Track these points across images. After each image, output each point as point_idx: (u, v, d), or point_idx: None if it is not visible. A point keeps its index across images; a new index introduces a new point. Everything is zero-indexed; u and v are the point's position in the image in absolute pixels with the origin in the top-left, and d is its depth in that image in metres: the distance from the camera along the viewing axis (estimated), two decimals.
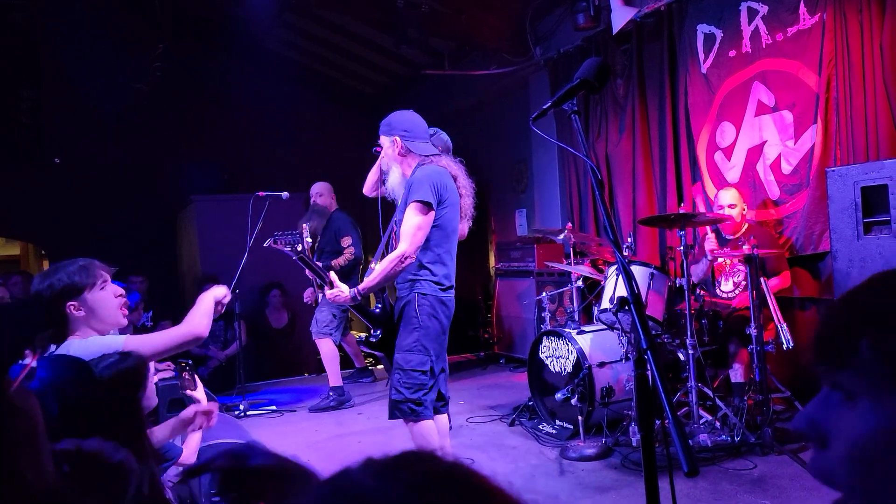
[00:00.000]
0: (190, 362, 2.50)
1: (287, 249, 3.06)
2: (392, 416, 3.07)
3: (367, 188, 4.93)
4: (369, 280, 3.00)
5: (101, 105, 7.51)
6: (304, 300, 5.85)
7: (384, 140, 3.19)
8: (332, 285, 3.04)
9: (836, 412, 0.67)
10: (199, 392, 2.55)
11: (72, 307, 2.12)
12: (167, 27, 7.66)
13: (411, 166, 3.14)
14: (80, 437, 1.15)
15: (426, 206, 2.97)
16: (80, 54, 7.03)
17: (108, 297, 2.19)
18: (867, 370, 0.63)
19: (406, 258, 2.95)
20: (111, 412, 1.39)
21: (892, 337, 0.63)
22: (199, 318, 2.18)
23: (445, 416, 3.29)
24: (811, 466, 0.70)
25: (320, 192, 5.78)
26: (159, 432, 2.25)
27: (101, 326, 2.19)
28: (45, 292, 2.10)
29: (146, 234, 8.27)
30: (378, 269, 2.99)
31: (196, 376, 2.49)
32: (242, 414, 5.28)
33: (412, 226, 2.96)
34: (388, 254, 3.07)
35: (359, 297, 3.03)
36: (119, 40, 7.25)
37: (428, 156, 3.16)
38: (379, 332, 3.15)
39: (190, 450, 2.49)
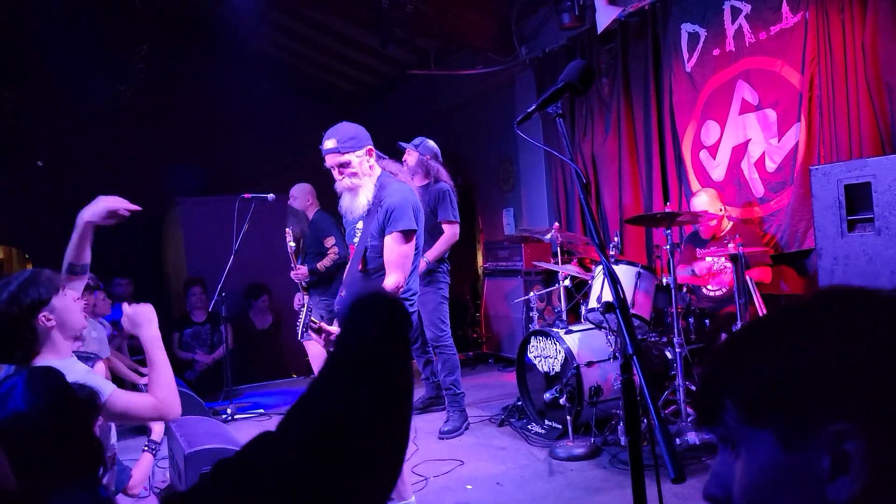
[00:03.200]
0: (143, 385, 2.47)
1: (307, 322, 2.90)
2: None
3: None
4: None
5: (84, 107, 7.44)
6: (295, 307, 5.79)
7: (349, 157, 2.93)
8: (319, 331, 2.81)
9: (730, 467, 0.69)
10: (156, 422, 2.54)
11: (43, 318, 2.01)
12: (150, 28, 7.59)
13: (373, 179, 3.01)
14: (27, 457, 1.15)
15: (409, 234, 2.91)
16: (63, 56, 6.95)
17: (71, 302, 2.12)
18: (736, 420, 0.67)
19: (400, 288, 2.90)
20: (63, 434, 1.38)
21: (748, 386, 0.66)
22: (174, 399, 2.11)
23: None
24: None
25: (294, 196, 5.73)
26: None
27: (69, 334, 2.12)
28: (9, 309, 1.95)
29: (131, 237, 8.18)
30: None
31: None
32: (230, 417, 5.26)
33: (400, 255, 2.90)
34: (371, 275, 2.98)
35: None
36: (101, 41, 7.18)
37: (382, 160, 3.10)
38: None
39: (137, 478, 2.47)
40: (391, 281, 2.88)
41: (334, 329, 2.81)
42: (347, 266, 3.13)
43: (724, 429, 0.69)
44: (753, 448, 0.66)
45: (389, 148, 5.07)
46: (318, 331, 2.81)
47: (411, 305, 3.06)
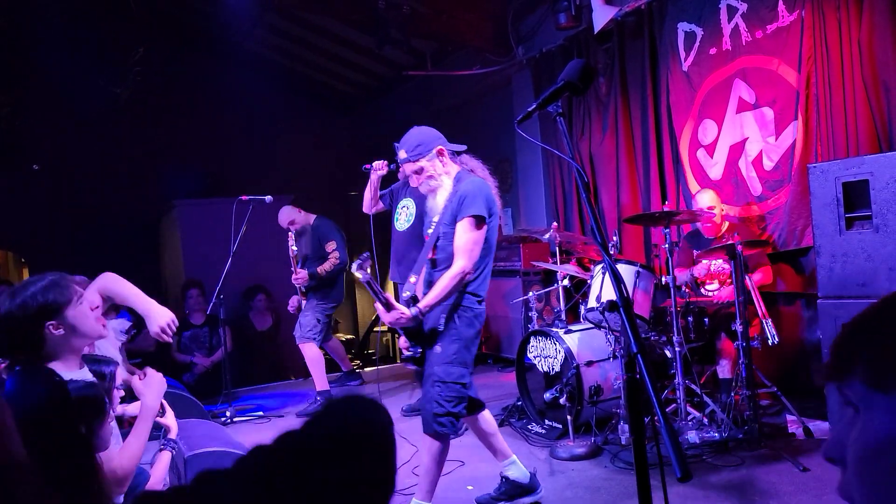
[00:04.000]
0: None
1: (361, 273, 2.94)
2: (428, 429, 2.96)
3: (366, 207, 4.90)
4: (430, 298, 2.90)
5: (80, 110, 7.42)
6: (290, 309, 5.79)
7: (422, 163, 3.03)
8: (389, 307, 2.91)
9: (849, 429, 0.71)
10: (170, 418, 2.53)
11: (50, 327, 1.98)
12: (146, 31, 7.59)
13: (451, 176, 3.09)
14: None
15: (480, 221, 2.95)
16: (60, 58, 6.94)
17: (86, 310, 2.08)
18: (862, 382, 0.69)
19: (466, 274, 2.91)
20: (64, 436, 1.37)
21: (881, 351, 0.69)
22: (129, 474, 2.11)
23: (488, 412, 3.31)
24: (840, 490, 0.73)
25: (291, 219, 5.61)
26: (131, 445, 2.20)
27: (82, 342, 2.10)
28: (17, 312, 1.93)
29: (128, 240, 8.18)
30: (439, 286, 2.90)
31: (165, 402, 2.47)
32: (229, 420, 5.24)
33: (469, 241, 2.93)
34: (436, 267, 3.05)
35: (420, 317, 2.95)
36: (98, 44, 7.18)
37: (459, 155, 3.16)
38: (418, 348, 3.07)
39: (157, 477, 2.46)
40: (457, 266, 2.90)
41: (404, 309, 2.91)
42: (421, 252, 3.16)
43: (850, 389, 0.71)
44: (874, 413, 0.68)
45: (387, 150, 5.08)
46: (388, 305, 2.90)
47: (479, 304, 3.04)
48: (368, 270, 2.93)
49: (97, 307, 2.19)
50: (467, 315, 3.00)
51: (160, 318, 2.44)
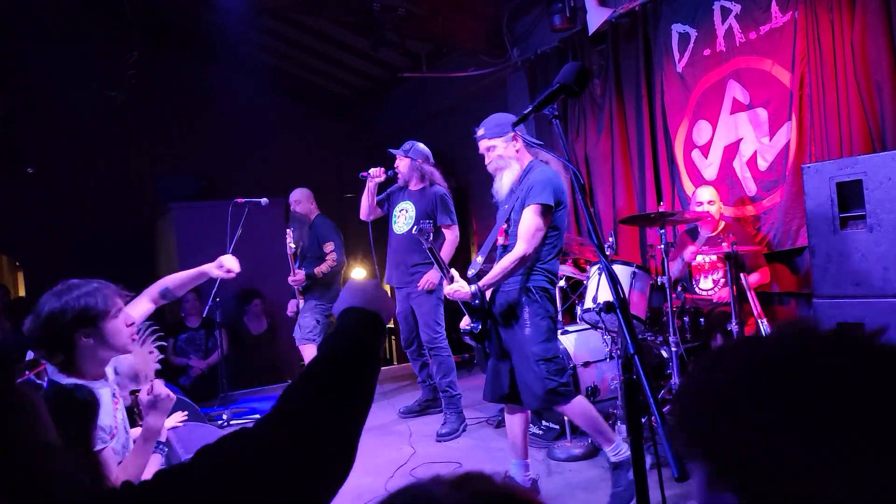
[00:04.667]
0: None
1: (423, 239, 3.29)
2: (549, 403, 3.17)
3: (364, 214, 4.92)
4: (489, 278, 3.14)
5: (74, 113, 7.39)
6: (288, 312, 5.78)
7: (496, 142, 3.23)
8: (452, 280, 3.19)
9: None
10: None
11: (81, 334, 1.98)
12: (140, 34, 7.57)
13: (523, 164, 3.25)
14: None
15: (546, 209, 3.10)
16: (53, 62, 6.92)
17: (121, 325, 2.07)
18: (681, 442, 0.77)
19: (526, 258, 3.09)
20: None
21: (682, 425, 0.76)
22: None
23: None
24: None
25: (298, 200, 5.73)
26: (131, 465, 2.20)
27: (109, 355, 2.09)
28: (59, 313, 1.95)
29: (123, 243, 8.16)
30: (499, 267, 3.13)
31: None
32: (226, 423, 5.23)
33: (532, 227, 3.09)
34: (505, 250, 3.22)
35: (478, 295, 3.20)
36: (91, 48, 7.15)
37: (533, 147, 3.27)
38: (479, 324, 3.28)
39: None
40: (518, 250, 3.08)
41: (464, 284, 3.18)
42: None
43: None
44: (696, 475, 0.75)
45: (382, 152, 5.08)
46: (451, 278, 3.20)
47: (536, 276, 3.18)
48: (430, 238, 3.25)
49: (132, 324, 2.17)
50: (546, 294, 3.19)
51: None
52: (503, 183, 3.27)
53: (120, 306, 2.10)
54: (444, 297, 4.79)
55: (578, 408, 3.19)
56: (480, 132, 3.29)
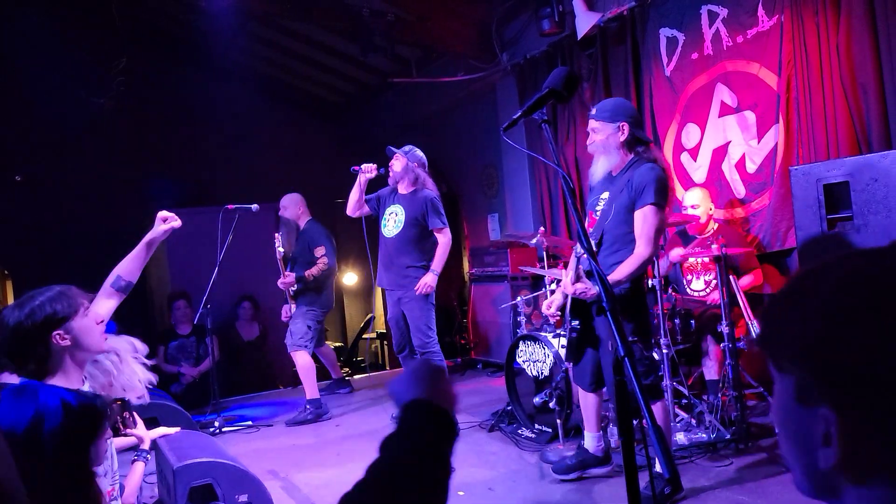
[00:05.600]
0: (128, 400, 2.41)
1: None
2: (654, 398, 3.23)
3: (350, 209, 4.94)
4: (615, 276, 3.07)
5: (63, 120, 7.35)
6: (283, 318, 5.76)
7: (604, 125, 3.21)
8: (578, 278, 3.07)
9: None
10: (140, 429, 2.52)
11: (57, 337, 1.96)
12: (128, 40, 7.54)
13: (625, 160, 3.23)
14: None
15: (662, 208, 3.11)
16: (39, 69, 6.89)
17: (92, 324, 2.07)
18: (769, 359, 0.75)
19: (649, 259, 3.12)
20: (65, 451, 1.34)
21: (772, 333, 0.75)
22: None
23: None
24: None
25: (284, 206, 5.74)
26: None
27: (84, 356, 2.08)
28: (25, 322, 1.92)
29: (113, 251, 8.06)
30: (626, 268, 3.08)
31: (135, 414, 2.46)
32: (218, 430, 5.20)
33: (652, 228, 3.09)
34: (602, 246, 3.23)
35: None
36: (79, 54, 7.12)
37: (642, 145, 3.25)
38: (578, 322, 3.34)
39: (131, 488, 2.45)
40: (642, 252, 3.08)
41: (590, 284, 3.05)
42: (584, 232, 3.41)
43: (771, 361, 0.75)
44: (779, 388, 0.74)
45: (373, 157, 5.09)
46: (578, 276, 3.09)
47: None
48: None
49: (102, 321, 2.16)
50: (635, 293, 3.20)
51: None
52: (597, 168, 3.31)
53: (87, 305, 2.08)
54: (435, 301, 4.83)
55: (664, 409, 3.32)
56: (593, 112, 3.30)
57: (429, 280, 4.67)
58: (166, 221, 2.55)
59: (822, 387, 0.67)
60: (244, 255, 6.45)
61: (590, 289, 3.04)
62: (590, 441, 3.57)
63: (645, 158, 3.21)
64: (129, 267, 2.43)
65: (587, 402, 3.54)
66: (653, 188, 3.08)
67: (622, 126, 3.19)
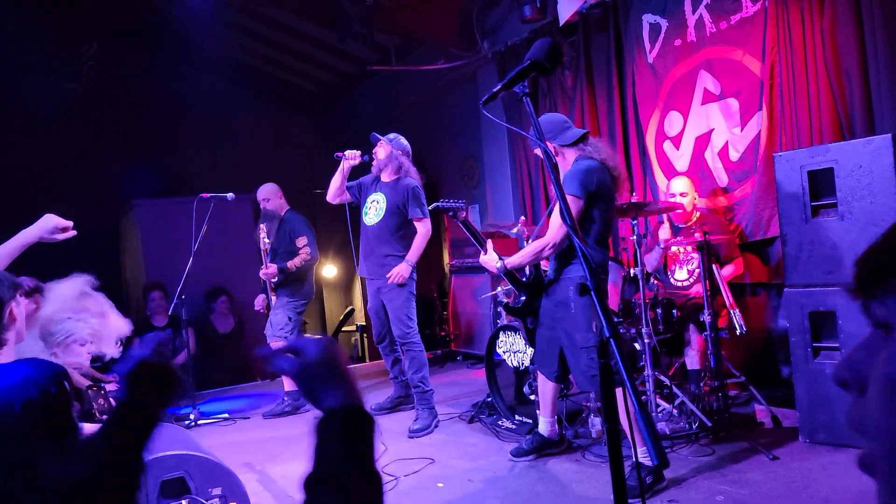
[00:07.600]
0: (104, 386, 2.35)
1: (450, 214, 3.59)
2: (595, 387, 3.40)
3: (331, 195, 4.84)
4: (513, 260, 3.38)
5: (32, 106, 7.15)
6: (255, 308, 5.66)
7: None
8: (486, 250, 3.47)
9: (874, 352, 0.61)
10: None
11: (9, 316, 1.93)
12: (99, 25, 7.35)
13: (569, 160, 3.41)
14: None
15: (575, 200, 3.21)
16: (7, 53, 6.68)
17: (23, 310, 2.04)
18: None
19: (550, 247, 3.25)
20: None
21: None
22: None
23: None
24: (849, 417, 0.64)
25: (266, 197, 5.58)
26: None
27: (11, 343, 2.01)
28: None
29: (86, 242, 7.88)
30: (523, 251, 3.39)
31: (112, 400, 2.36)
32: (193, 423, 5.10)
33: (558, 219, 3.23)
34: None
35: (502, 273, 3.46)
36: (48, 37, 6.92)
37: (577, 144, 3.40)
38: (523, 297, 3.51)
39: None
40: (545, 238, 3.27)
41: (495, 258, 3.44)
42: (568, 209, 3.68)
43: (880, 307, 0.61)
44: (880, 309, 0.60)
45: (351, 147, 4.98)
46: (485, 248, 3.53)
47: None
48: (464, 215, 3.60)
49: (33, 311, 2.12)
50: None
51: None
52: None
53: (22, 289, 2.05)
54: (415, 291, 4.74)
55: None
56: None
57: (402, 270, 4.57)
58: (65, 231, 2.43)
59: None
60: (219, 246, 6.33)
61: (490, 261, 3.46)
62: (544, 426, 3.71)
63: (586, 155, 3.43)
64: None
65: (546, 388, 3.64)
66: (567, 180, 3.28)
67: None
